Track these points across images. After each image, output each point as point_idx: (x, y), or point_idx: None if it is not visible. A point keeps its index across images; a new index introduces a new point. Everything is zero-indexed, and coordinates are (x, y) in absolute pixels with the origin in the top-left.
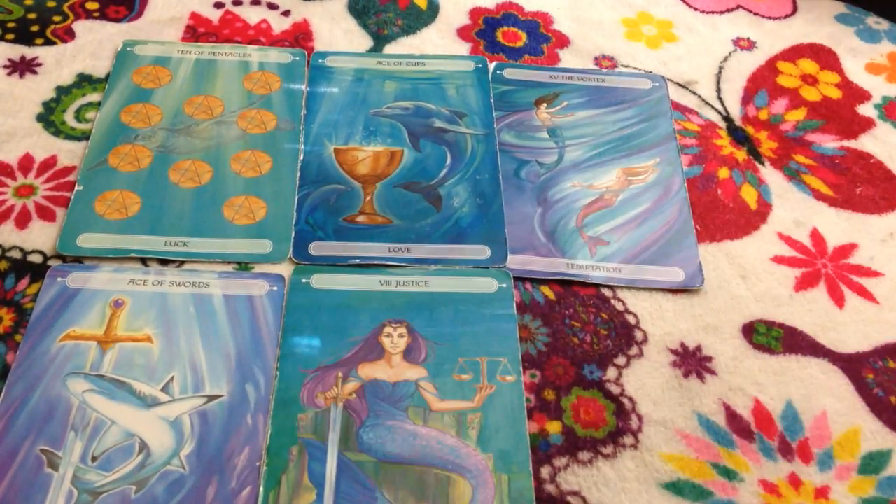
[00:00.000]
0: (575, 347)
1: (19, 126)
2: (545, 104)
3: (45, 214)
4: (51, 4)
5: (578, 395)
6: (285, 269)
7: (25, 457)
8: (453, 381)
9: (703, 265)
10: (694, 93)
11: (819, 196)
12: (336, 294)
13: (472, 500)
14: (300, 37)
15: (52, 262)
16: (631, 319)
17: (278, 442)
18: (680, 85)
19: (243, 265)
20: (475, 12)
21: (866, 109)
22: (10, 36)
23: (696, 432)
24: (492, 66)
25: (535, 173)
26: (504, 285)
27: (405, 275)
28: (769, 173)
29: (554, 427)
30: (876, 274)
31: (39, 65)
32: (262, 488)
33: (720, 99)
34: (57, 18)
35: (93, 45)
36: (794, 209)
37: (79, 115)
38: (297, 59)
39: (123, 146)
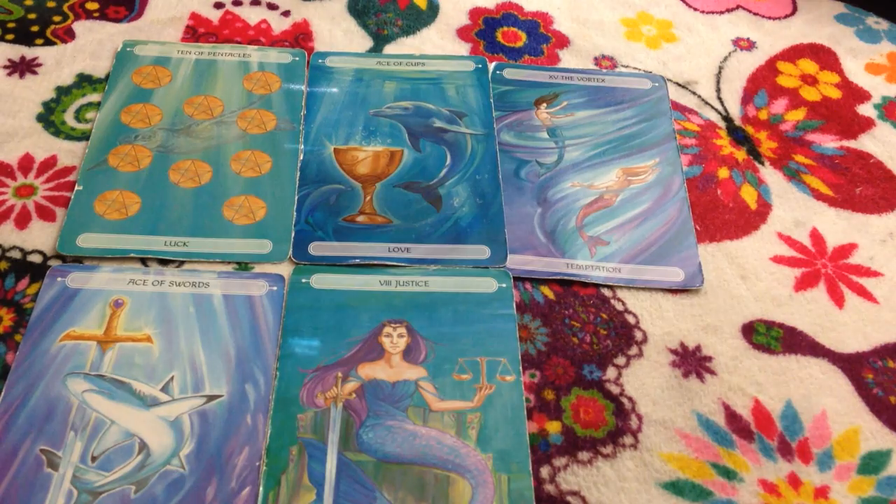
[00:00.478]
0: (575, 347)
1: (19, 126)
2: (545, 104)
3: (45, 214)
4: (51, 4)
5: (578, 394)
6: (285, 269)
7: (25, 457)
8: (453, 381)
9: (703, 265)
10: (694, 93)
11: (819, 196)
12: (336, 294)
13: (471, 499)
14: (300, 37)
15: (52, 262)
16: (631, 319)
17: (278, 442)
18: (680, 85)
19: (243, 265)
20: (475, 12)
21: (866, 109)
22: (10, 36)
23: (695, 432)
24: (492, 66)
25: (534, 173)
26: (504, 285)
27: (405, 275)
28: (769, 173)
29: (553, 427)
30: (876, 274)
31: (39, 65)
32: (261, 488)
33: (720, 99)
34: (57, 18)
35: (93, 45)
36: (794, 209)
37: (79, 116)
38: (297, 59)
39: (123, 146)
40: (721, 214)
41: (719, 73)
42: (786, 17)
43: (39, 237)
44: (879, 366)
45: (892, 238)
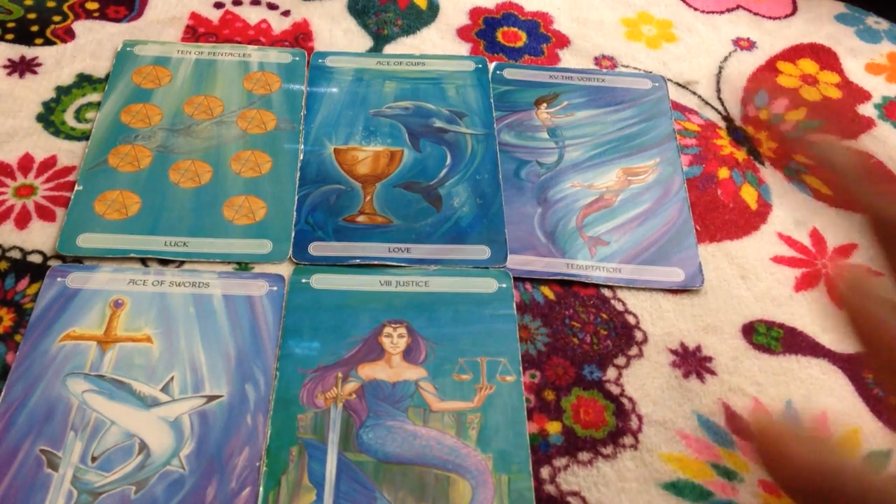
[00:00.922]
0: (575, 347)
1: (19, 126)
2: (545, 104)
3: (45, 214)
4: (51, 4)
5: (578, 395)
6: (285, 269)
7: (25, 457)
8: (453, 382)
9: (703, 265)
10: (694, 93)
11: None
12: (336, 294)
13: (471, 500)
14: (300, 37)
15: (52, 262)
16: (631, 319)
17: (278, 442)
18: (680, 85)
19: (243, 265)
20: (475, 12)
21: (866, 109)
22: (10, 36)
23: (695, 432)
24: (492, 66)
25: (535, 173)
26: (504, 285)
27: (405, 275)
28: (769, 173)
29: (554, 427)
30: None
31: (39, 65)
32: (261, 488)
33: (720, 99)
34: (57, 18)
35: (93, 45)
36: (794, 209)
37: (79, 115)
38: (297, 59)
39: (123, 146)
40: (721, 214)
41: (719, 73)
42: (786, 17)
43: (39, 237)
44: None
45: None
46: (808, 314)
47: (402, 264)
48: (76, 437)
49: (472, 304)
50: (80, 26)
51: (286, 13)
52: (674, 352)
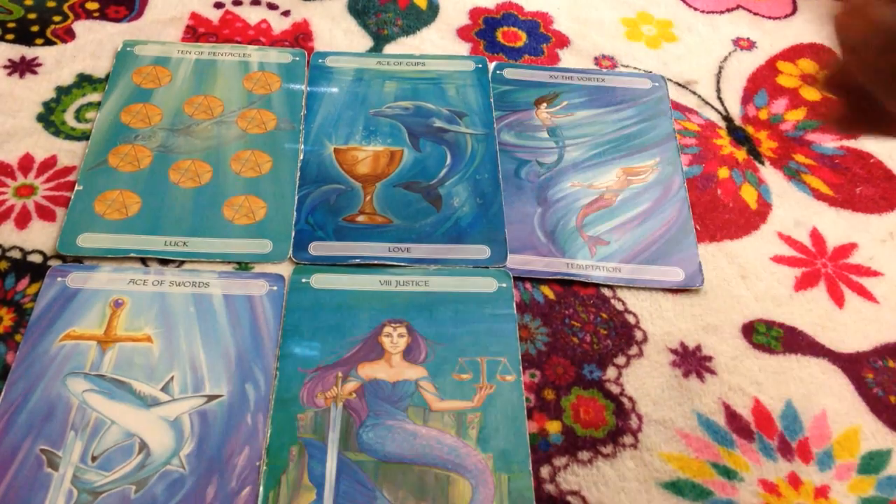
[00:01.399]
0: (575, 347)
1: (19, 126)
2: (545, 104)
3: (45, 214)
4: (51, 4)
5: (578, 394)
6: (285, 269)
7: (25, 457)
8: (453, 381)
9: (703, 265)
10: (694, 93)
11: (819, 196)
12: (336, 294)
13: (471, 499)
14: (300, 37)
15: (52, 262)
16: (631, 319)
17: (278, 442)
18: (680, 85)
19: (243, 265)
20: (475, 12)
21: None
22: (10, 36)
23: (695, 432)
24: (492, 66)
25: (535, 173)
26: (504, 285)
27: (405, 275)
28: (769, 173)
29: (554, 427)
30: (876, 274)
31: (39, 65)
32: (261, 488)
33: (720, 99)
34: (57, 18)
35: (93, 45)
36: (794, 209)
37: (79, 115)
38: (297, 59)
39: (123, 146)
40: (721, 214)
41: (719, 72)
42: (786, 17)
43: (39, 237)
44: (879, 365)
45: (892, 238)
46: (808, 314)
47: (402, 264)
48: (76, 437)
49: (472, 303)
50: (80, 26)
51: (286, 13)
52: (674, 351)
